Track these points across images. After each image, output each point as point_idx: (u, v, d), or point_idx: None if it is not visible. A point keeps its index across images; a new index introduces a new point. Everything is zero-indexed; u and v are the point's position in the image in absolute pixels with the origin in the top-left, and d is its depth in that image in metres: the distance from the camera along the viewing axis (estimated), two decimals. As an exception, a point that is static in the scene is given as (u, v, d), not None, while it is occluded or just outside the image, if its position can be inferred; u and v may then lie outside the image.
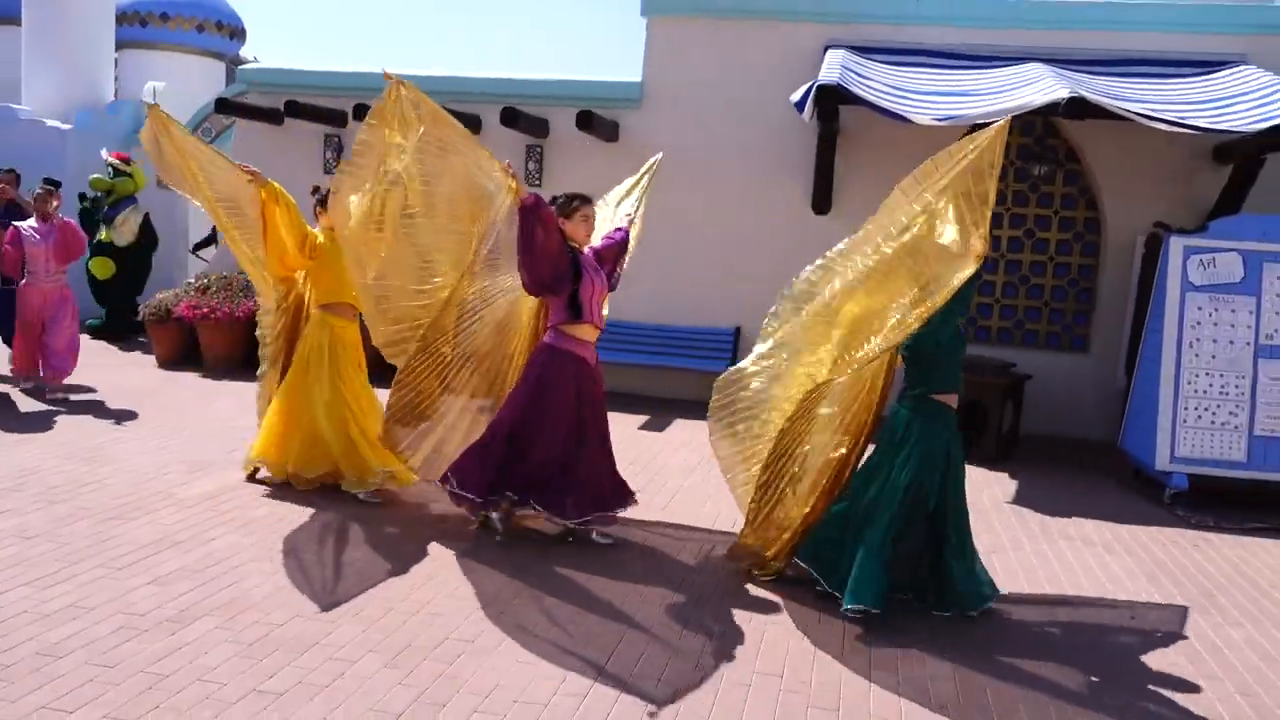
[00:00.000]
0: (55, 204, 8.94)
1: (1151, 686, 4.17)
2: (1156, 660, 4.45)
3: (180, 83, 16.26)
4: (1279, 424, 7.24)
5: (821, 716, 3.73)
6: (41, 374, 8.82)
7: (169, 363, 10.57)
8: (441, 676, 3.83)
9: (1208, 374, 7.34)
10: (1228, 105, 7.86)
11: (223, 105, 11.11)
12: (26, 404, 8.31)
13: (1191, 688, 4.19)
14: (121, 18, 16.54)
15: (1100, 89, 7.95)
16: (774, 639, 4.41)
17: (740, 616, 4.64)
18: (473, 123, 10.41)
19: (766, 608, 4.78)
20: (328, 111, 10.70)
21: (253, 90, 11.34)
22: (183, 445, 7.15)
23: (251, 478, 6.37)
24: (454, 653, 4.05)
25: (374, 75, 10.92)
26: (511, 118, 9.66)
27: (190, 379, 9.91)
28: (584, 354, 5.47)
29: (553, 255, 5.20)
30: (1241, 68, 8.81)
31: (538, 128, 10.27)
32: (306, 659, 3.90)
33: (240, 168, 6.06)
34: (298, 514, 5.75)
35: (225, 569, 4.80)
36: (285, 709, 3.50)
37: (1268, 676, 4.35)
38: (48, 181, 9.26)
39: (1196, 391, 7.34)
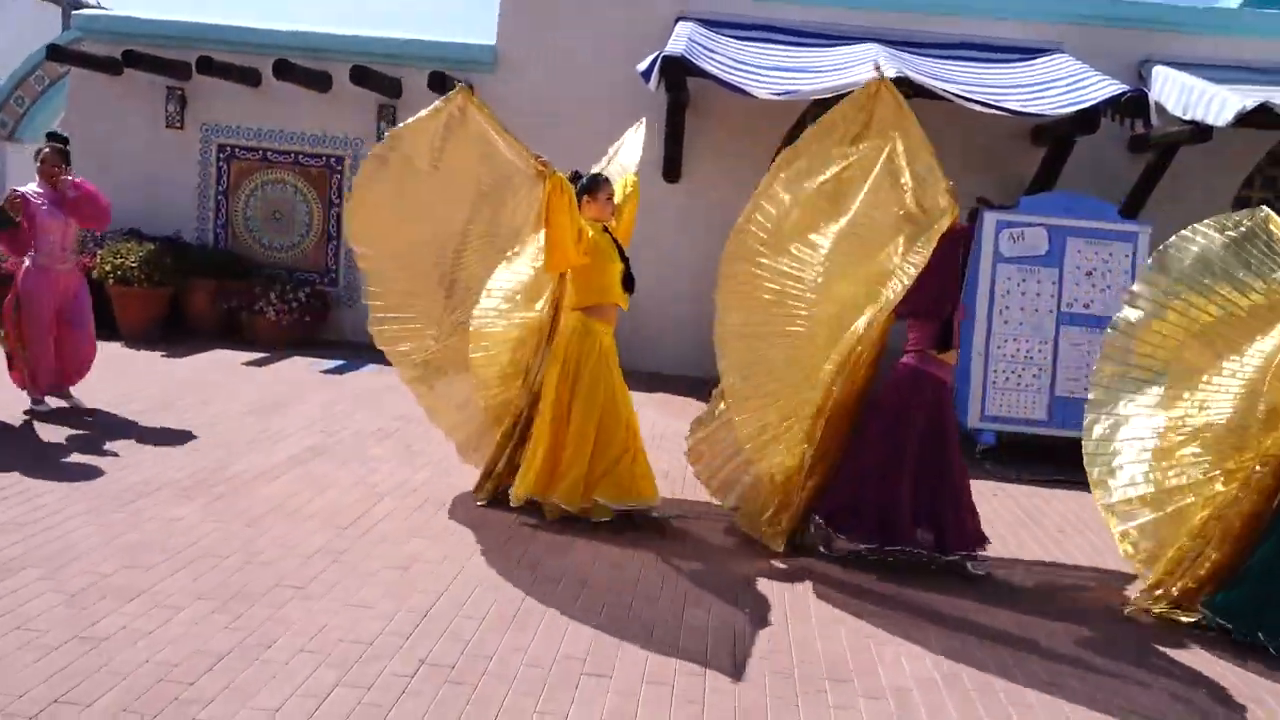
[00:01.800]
0: (66, 168, 6.92)
1: (938, 609, 4.62)
2: (946, 593, 4.91)
3: (10, 29, 15.39)
4: (1077, 385, 7.89)
5: (632, 649, 4.00)
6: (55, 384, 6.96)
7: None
8: (269, 620, 3.95)
9: (1015, 340, 7.95)
10: (1042, 90, 8.45)
11: (56, 53, 10.61)
12: (50, 433, 6.36)
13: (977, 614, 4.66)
14: (-56, -46, 15.53)
15: (927, 70, 8.43)
16: (597, 580, 4.67)
17: (561, 562, 4.89)
18: (323, 80, 10.28)
19: (585, 551, 5.03)
20: (170, 63, 10.36)
21: (89, 38, 10.86)
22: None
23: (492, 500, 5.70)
24: (283, 598, 4.16)
25: (218, 26, 10.65)
26: (362, 76, 9.58)
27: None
28: (946, 377, 5.24)
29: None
30: (1056, 56, 9.46)
31: (390, 88, 10.20)
32: (133, 606, 3.95)
33: (533, 155, 5.34)
34: (133, 469, 5.70)
35: (54, 523, 4.76)
36: (109, 653, 3.56)
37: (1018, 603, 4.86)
38: (53, 137, 7.50)
39: (1005, 355, 7.95)
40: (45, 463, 5.70)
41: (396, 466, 6.26)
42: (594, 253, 5.44)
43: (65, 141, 6.93)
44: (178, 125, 10.71)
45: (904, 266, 4.74)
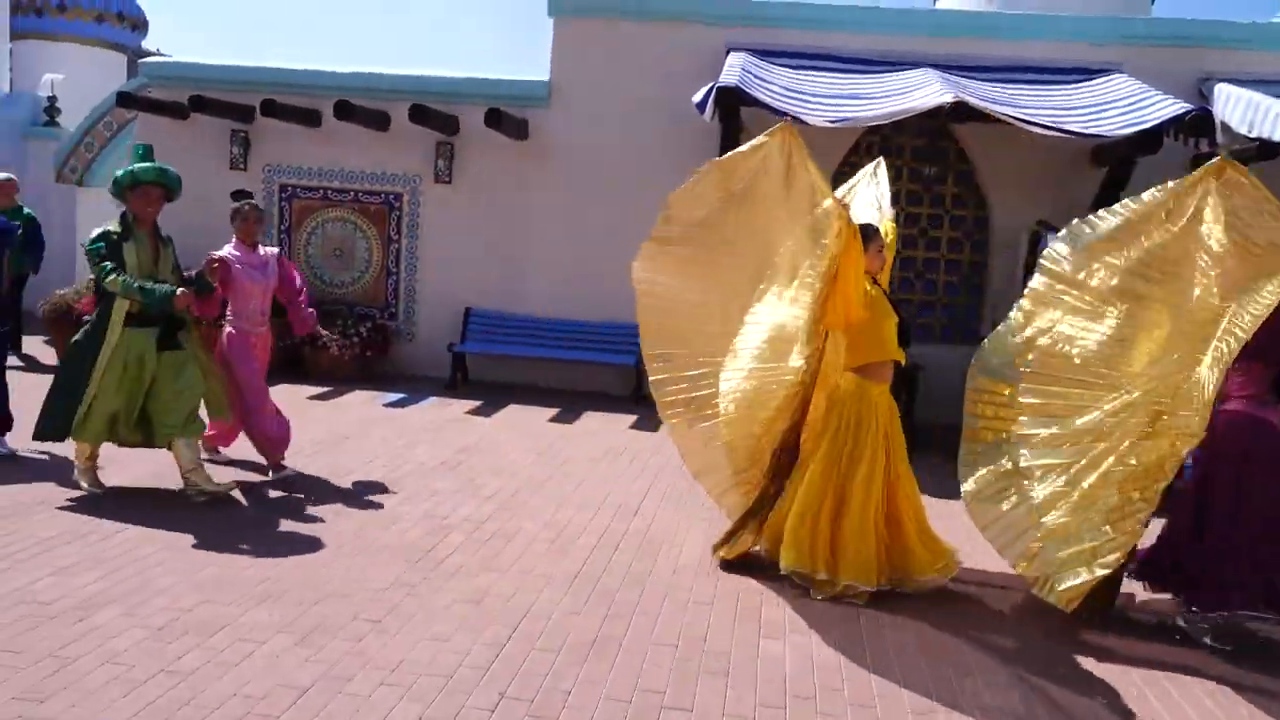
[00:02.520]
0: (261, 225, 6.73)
1: (1033, 639, 4.53)
2: (1042, 619, 4.81)
3: (79, 75, 15.89)
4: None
5: (711, 681, 3.97)
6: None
7: (70, 360, 10.38)
8: (349, 653, 3.97)
9: (1082, 363, 7.79)
10: (1101, 111, 8.36)
11: (124, 99, 10.94)
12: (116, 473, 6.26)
13: (1066, 639, 4.56)
14: (16, 7, 16.11)
15: (984, 94, 8.39)
16: (670, 612, 4.64)
17: (632, 594, 4.87)
18: (381, 119, 10.47)
19: (659, 584, 5.01)
20: (234, 106, 10.63)
21: (156, 85, 11.19)
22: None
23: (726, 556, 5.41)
24: (361, 631, 4.19)
25: (281, 70, 10.91)
26: (420, 114, 9.75)
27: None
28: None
29: None
30: (1115, 76, 9.35)
31: (447, 125, 10.37)
32: (215, 640, 4.00)
33: (836, 199, 5.01)
34: (204, 505, 5.80)
35: (131, 559, 4.85)
36: (195, 686, 3.61)
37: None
38: (242, 195, 6.81)
39: (1073, 379, 7.79)
40: (117, 501, 5.80)
41: (462, 500, 6.30)
42: (871, 307, 5.03)
43: (249, 195, 6.78)
44: (241, 167, 10.96)
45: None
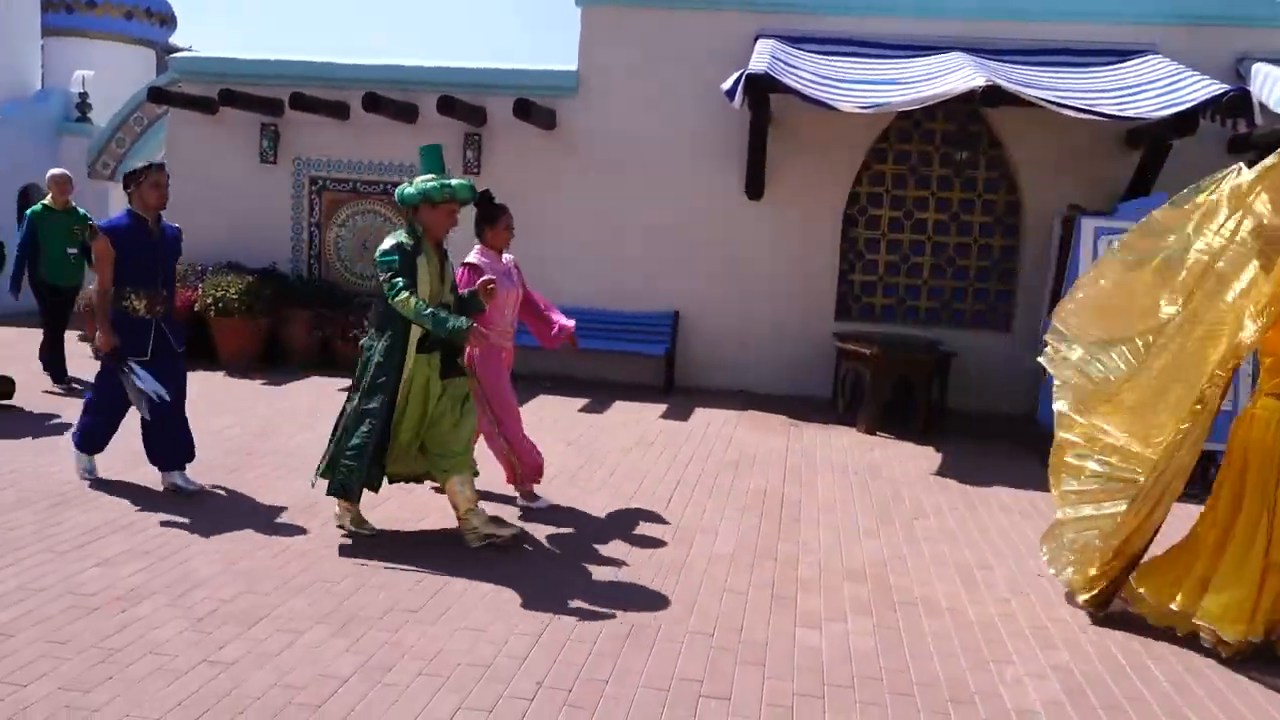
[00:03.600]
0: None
1: (1055, 636, 4.49)
2: (1063, 614, 4.77)
3: (110, 71, 16.02)
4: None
5: (749, 670, 3.97)
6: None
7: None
8: (387, 643, 4.00)
9: (1118, 348, 7.70)
10: (1136, 93, 8.24)
11: (156, 94, 11.03)
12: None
13: (1093, 636, 4.51)
14: (47, 4, 16.23)
15: (1016, 78, 8.28)
16: (706, 602, 4.64)
17: (667, 583, 4.87)
18: (410, 111, 10.50)
19: (694, 574, 5.01)
20: (264, 100, 10.69)
21: (185, 79, 11.27)
22: (123, 434, 7.18)
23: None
24: (398, 622, 4.22)
25: (309, 63, 10.95)
26: (448, 106, 9.76)
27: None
28: None
29: None
30: (1150, 57, 9.21)
31: (475, 116, 10.37)
32: (256, 631, 4.04)
33: None
34: (242, 497, 5.86)
35: (173, 550, 4.91)
36: (237, 677, 3.65)
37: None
38: (488, 198, 5.93)
39: (1108, 365, 7.70)
40: (160, 494, 5.87)
41: (491, 490, 6.31)
42: None
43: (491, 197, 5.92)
44: (271, 160, 11.03)
45: None
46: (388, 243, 5.11)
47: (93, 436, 6.01)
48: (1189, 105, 7.64)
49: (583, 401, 9.42)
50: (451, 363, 5.28)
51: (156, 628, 4.02)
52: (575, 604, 4.53)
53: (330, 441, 5.32)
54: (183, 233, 6.18)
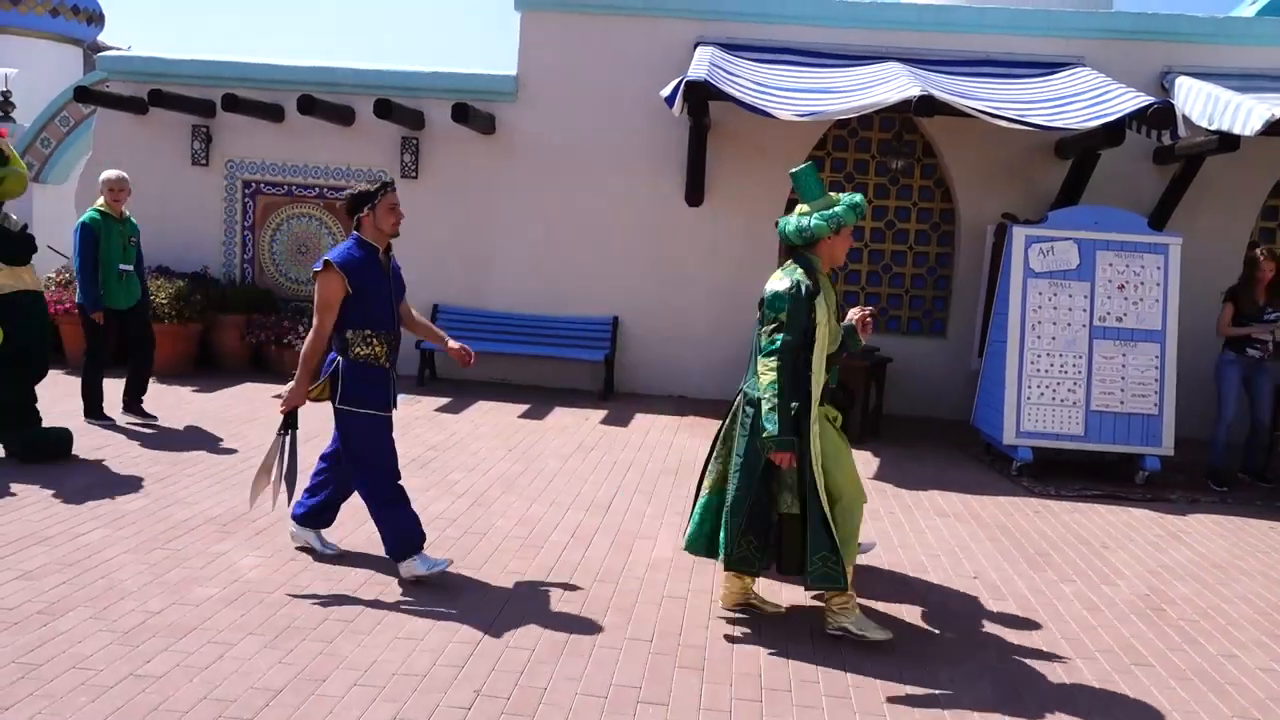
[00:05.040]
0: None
1: (988, 632, 4.56)
2: (994, 612, 4.85)
3: (34, 70, 15.54)
4: (1112, 399, 7.83)
5: (687, 676, 3.97)
6: None
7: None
8: (321, 654, 3.93)
9: (1049, 354, 7.89)
10: (1066, 104, 8.43)
11: (83, 94, 10.74)
12: (84, 472, 6.33)
13: (1026, 635, 4.59)
14: (-32, 0, 15.74)
15: (950, 88, 8.43)
16: (644, 608, 4.64)
17: (605, 589, 4.86)
18: (346, 114, 10.36)
19: (632, 580, 5.00)
20: (195, 101, 10.47)
21: (115, 79, 11.00)
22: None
23: None
24: (333, 632, 4.15)
25: (243, 64, 10.76)
26: (385, 109, 9.65)
27: (51, 375, 9.58)
28: None
29: None
30: (1079, 69, 9.45)
31: (412, 120, 10.27)
32: (185, 643, 3.95)
33: None
34: (170, 508, 5.72)
35: (97, 561, 4.77)
36: (165, 690, 3.55)
37: (1091, 624, 4.79)
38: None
39: (1039, 371, 7.88)
40: (85, 501, 5.70)
41: (434, 497, 6.25)
42: None
43: None
44: (203, 162, 10.80)
45: None
46: (783, 283, 4.28)
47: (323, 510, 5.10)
48: (1116, 116, 7.84)
49: (522, 408, 9.37)
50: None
51: (80, 641, 3.90)
52: (513, 611, 4.50)
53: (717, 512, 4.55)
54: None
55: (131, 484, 6.11)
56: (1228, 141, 8.28)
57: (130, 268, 7.74)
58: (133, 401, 7.82)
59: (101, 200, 7.64)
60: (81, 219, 7.63)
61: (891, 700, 3.86)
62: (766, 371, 4.20)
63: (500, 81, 10.46)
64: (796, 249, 4.45)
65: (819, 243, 4.40)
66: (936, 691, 3.96)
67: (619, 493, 6.66)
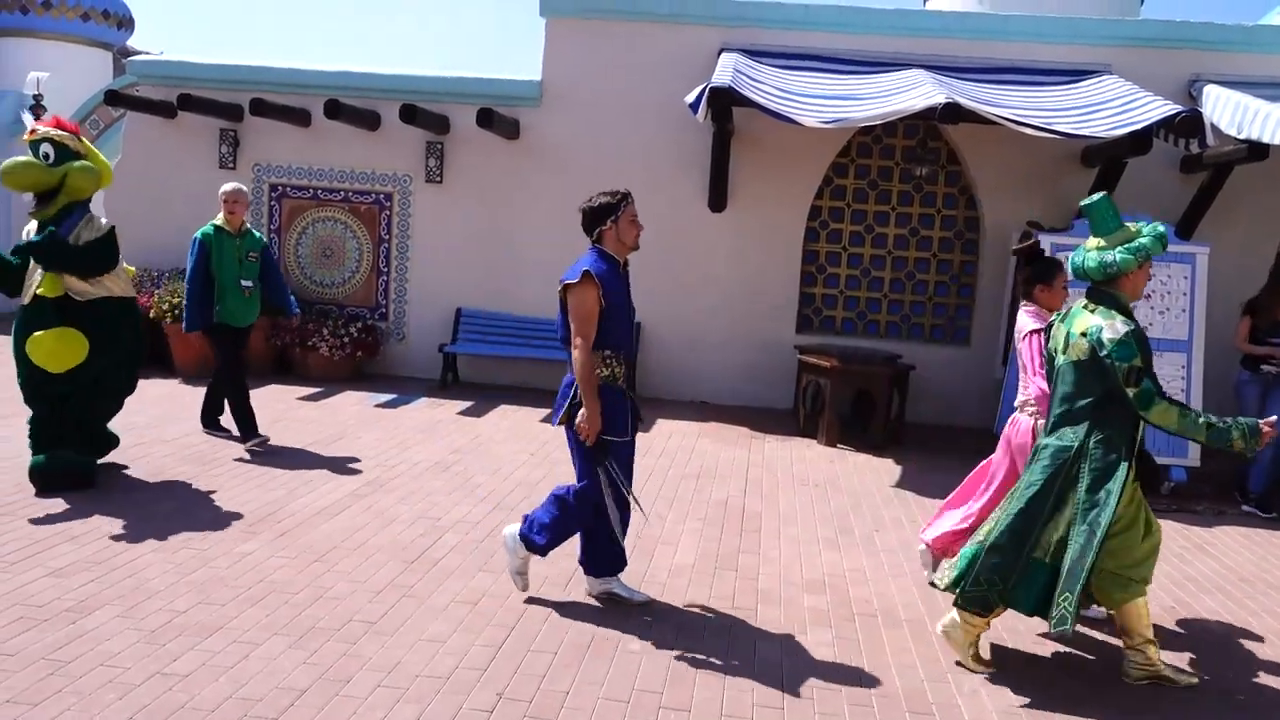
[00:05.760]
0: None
1: (1010, 645, 4.53)
2: (1017, 625, 4.83)
3: (65, 73, 15.78)
4: (1137, 409, 7.76)
5: (708, 681, 3.97)
6: None
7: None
8: (345, 655, 3.96)
9: (1073, 363, 7.82)
10: (1092, 112, 8.38)
11: (113, 98, 10.87)
12: (112, 475, 6.36)
13: (1050, 644, 4.57)
14: (1, 4, 15.98)
15: (975, 95, 8.40)
16: (667, 616, 4.64)
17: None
18: (372, 118, 10.43)
19: (654, 585, 5.01)
20: (224, 105, 10.57)
21: (145, 83, 11.12)
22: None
23: None
24: (357, 633, 4.17)
25: (270, 69, 10.85)
26: (410, 114, 9.71)
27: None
28: None
29: None
30: (1105, 77, 9.39)
31: (438, 124, 10.33)
32: (210, 643, 3.98)
33: None
34: (196, 508, 5.77)
35: (124, 560, 4.82)
36: (191, 689, 3.59)
37: (1114, 635, 4.76)
38: (1030, 236, 5.36)
39: (1063, 379, 7.82)
40: (111, 503, 5.76)
41: (457, 500, 6.28)
42: None
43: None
44: (230, 166, 10.90)
45: None
46: (1119, 329, 3.97)
47: (601, 550, 4.74)
48: (1143, 125, 7.79)
49: (543, 412, 9.39)
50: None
51: (108, 639, 3.95)
52: (536, 615, 4.51)
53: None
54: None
55: (158, 484, 6.17)
56: (1257, 151, 8.20)
57: (251, 284, 7.34)
58: (210, 416, 7.62)
59: (220, 215, 7.31)
60: (197, 234, 7.25)
61: (914, 713, 3.85)
62: (1164, 419, 3.94)
63: (524, 87, 10.50)
64: (1096, 285, 4.19)
65: (1122, 278, 4.13)
66: (959, 702, 3.95)
67: (640, 498, 6.65)
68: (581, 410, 4.40)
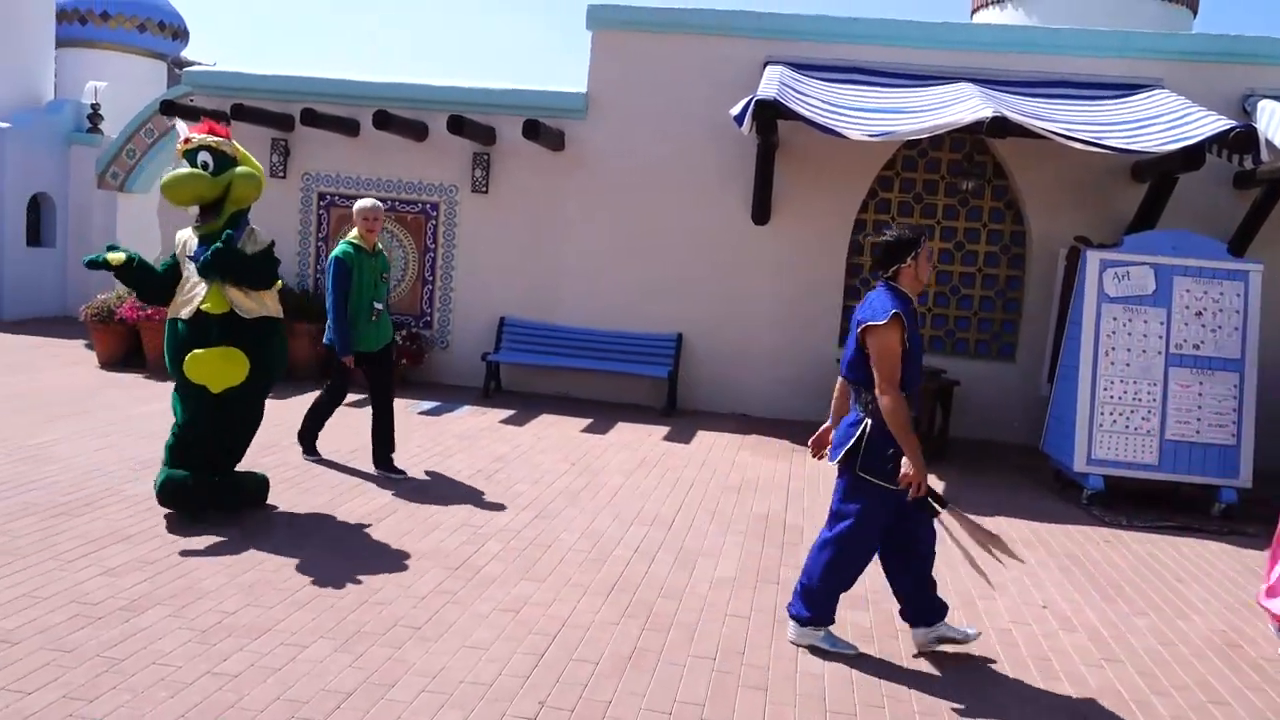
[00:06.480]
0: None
1: (1059, 666, 4.48)
2: (1065, 645, 4.76)
3: (121, 83, 16.12)
4: (1188, 429, 7.66)
5: (751, 695, 3.96)
6: None
7: (111, 364, 10.53)
8: (390, 660, 4.00)
9: (1122, 381, 7.74)
10: (1143, 126, 8.29)
11: (168, 107, 11.10)
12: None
13: (1098, 669, 4.50)
14: (61, 15, 16.36)
15: (1024, 109, 8.34)
16: (709, 625, 4.64)
17: (669, 606, 4.87)
18: (420, 129, 10.56)
19: (695, 598, 5.01)
20: (275, 115, 10.75)
21: (199, 93, 11.34)
22: (128, 444, 7.19)
23: None
24: (401, 639, 4.22)
25: (321, 80, 11.03)
26: (458, 125, 9.82)
27: (132, 380, 9.89)
28: None
29: None
30: (1157, 91, 9.28)
31: (484, 135, 10.43)
32: (259, 644, 4.04)
33: None
34: (247, 513, 5.85)
35: (176, 561, 4.91)
36: (240, 689, 3.64)
37: (1165, 659, 4.68)
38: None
39: (1112, 398, 7.73)
40: (155, 503, 5.86)
41: (499, 509, 6.32)
42: None
43: None
44: (281, 174, 11.08)
45: None
46: None
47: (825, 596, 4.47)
48: (1196, 140, 7.69)
49: (585, 422, 9.43)
50: None
51: (160, 638, 4.02)
52: (577, 624, 4.53)
53: None
54: None
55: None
56: (1312, 167, 8.08)
57: (382, 306, 6.96)
58: (383, 455, 7.00)
59: (354, 231, 6.88)
60: (334, 252, 6.80)
61: (958, 728, 3.82)
62: None
63: (570, 99, 10.58)
64: None
65: None
66: (1006, 718, 3.91)
67: (681, 510, 6.67)
68: (904, 460, 4.21)
